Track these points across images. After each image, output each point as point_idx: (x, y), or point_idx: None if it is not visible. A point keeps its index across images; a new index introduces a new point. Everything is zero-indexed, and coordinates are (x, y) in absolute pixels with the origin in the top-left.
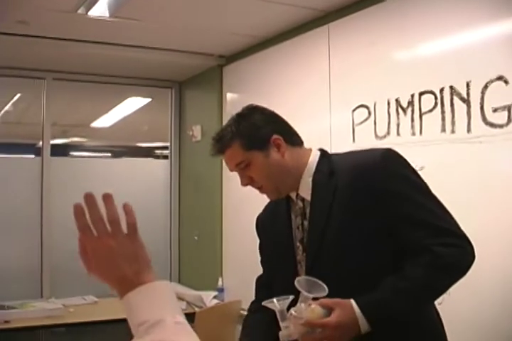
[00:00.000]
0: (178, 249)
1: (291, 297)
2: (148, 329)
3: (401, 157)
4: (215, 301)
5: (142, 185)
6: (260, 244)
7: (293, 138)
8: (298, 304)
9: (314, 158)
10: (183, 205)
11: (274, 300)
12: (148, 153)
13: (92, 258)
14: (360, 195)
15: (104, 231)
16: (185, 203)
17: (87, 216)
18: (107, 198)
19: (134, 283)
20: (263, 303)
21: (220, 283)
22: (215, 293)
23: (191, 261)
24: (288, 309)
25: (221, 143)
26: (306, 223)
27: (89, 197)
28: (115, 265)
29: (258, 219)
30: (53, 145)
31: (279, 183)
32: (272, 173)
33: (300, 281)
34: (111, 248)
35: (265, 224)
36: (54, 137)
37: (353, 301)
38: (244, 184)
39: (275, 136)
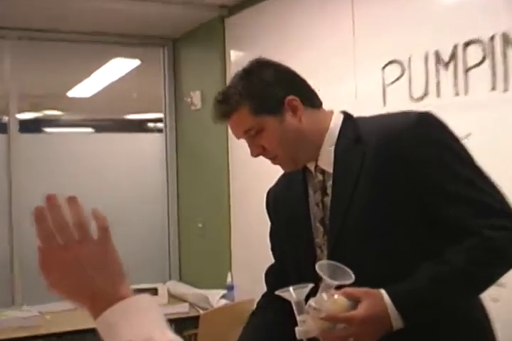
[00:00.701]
0: (177, 238)
1: (310, 285)
2: None
3: (440, 121)
4: (224, 301)
5: (132, 164)
6: (271, 228)
7: (312, 99)
8: (318, 294)
9: (337, 122)
10: (182, 187)
11: (290, 288)
12: (139, 126)
13: (56, 271)
14: (391, 166)
15: (71, 239)
16: (185, 184)
17: (50, 221)
18: (72, 201)
19: (112, 298)
20: (276, 292)
21: (229, 279)
22: (223, 292)
23: (194, 253)
24: (306, 300)
25: (226, 105)
26: (327, 199)
27: (50, 199)
28: (86, 278)
29: (269, 193)
30: (22, 121)
31: (296, 153)
32: (287, 141)
33: (322, 266)
34: (79, 258)
35: (278, 200)
36: (22, 110)
37: (383, 291)
38: (254, 154)
39: (291, 97)
